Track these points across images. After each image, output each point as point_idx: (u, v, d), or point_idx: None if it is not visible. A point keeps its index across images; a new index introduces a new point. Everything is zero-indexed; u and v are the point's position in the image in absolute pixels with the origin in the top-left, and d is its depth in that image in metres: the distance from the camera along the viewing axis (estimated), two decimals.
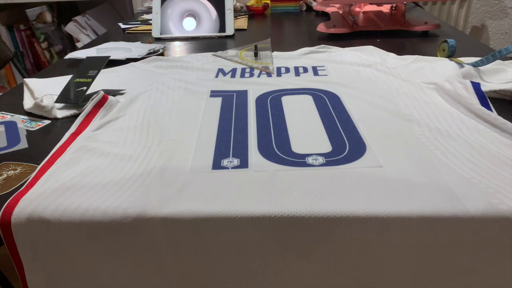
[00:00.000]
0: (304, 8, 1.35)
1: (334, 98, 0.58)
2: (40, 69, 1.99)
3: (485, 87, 0.58)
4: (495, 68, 0.64)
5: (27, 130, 0.54)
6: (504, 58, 0.68)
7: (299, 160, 0.43)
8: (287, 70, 0.71)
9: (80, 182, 0.40)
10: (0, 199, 0.38)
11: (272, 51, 0.82)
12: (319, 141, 0.46)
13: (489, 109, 0.51)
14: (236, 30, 1.08)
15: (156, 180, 0.40)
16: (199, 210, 0.35)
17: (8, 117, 0.58)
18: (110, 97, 0.58)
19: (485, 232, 0.34)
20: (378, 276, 0.37)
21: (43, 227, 0.36)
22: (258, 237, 0.35)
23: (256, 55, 0.80)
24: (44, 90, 0.63)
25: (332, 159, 0.43)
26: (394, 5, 1.04)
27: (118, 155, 0.44)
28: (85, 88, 0.61)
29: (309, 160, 0.43)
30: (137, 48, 0.88)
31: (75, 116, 0.56)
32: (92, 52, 0.86)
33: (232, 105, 0.57)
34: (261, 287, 0.38)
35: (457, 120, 0.50)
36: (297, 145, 0.46)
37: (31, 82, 0.67)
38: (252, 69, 0.73)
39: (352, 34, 0.96)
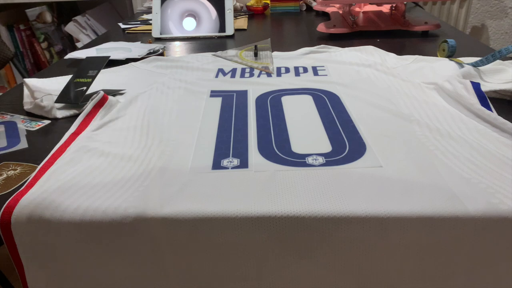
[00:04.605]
0: (304, 8, 1.35)
1: (334, 98, 0.58)
2: (40, 69, 1.99)
3: (485, 87, 0.58)
4: (495, 68, 0.64)
5: (27, 130, 0.54)
6: (504, 58, 0.68)
7: (299, 160, 0.43)
8: (287, 70, 0.71)
9: (80, 182, 0.39)
10: (0, 199, 0.38)
11: (272, 51, 0.82)
12: (319, 141, 0.46)
13: (489, 109, 0.51)
14: (236, 30, 1.08)
15: (156, 180, 0.40)
16: (199, 210, 0.35)
17: (8, 117, 0.58)
18: (110, 97, 0.58)
19: (485, 232, 0.34)
20: (378, 276, 0.37)
21: (43, 227, 0.36)
22: (258, 237, 0.35)
23: (256, 55, 0.80)
24: (44, 90, 0.63)
25: (332, 159, 0.43)
26: (394, 5, 1.04)
27: (118, 155, 0.44)
28: (85, 88, 0.61)
29: (309, 160, 0.43)
30: (137, 48, 0.88)
31: (75, 116, 0.56)
32: (92, 52, 0.86)
33: (232, 105, 0.57)
34: (261, 287, 0.38)
35: (457, 120, 0.50)
36: (297, 145, 0.46)
37: (31, 82, 0.67)
38: (252, 69, 0.73)
39: (352, 34, 0.96)
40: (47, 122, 0.56)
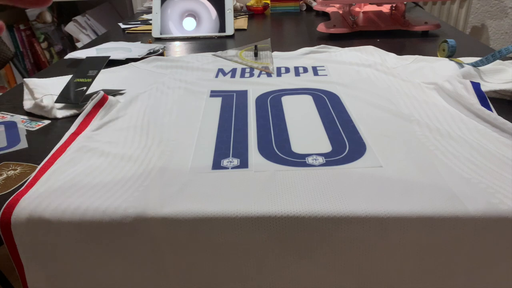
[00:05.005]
0: (304, 8, 1.35)
1: (334, 98, 0.58)
2: (40, 69, 1.99)
3: (485, 87, 0.58)
4: (495, 68, 0.64)
5: (27, 130, 0.54)
6: (504, 58, 0.68)
7: (299, 160, 0.43)
8: (287, 70, 0.71)
9: (80, 182, 0.40)
10: (0, 199, 0.38)
11: (272, 51, 0.82)
12: (319, 141, 0.46)
13: (489, 109, 0.51)
14: (236, 30, 1.08)
15: (156, 180, 0.40)
16: (199, 210, 0.35)
17: (8, 117, 0.58)
18: (110, 97, 0.58)
19: (485, 232, 0.34)
20: (378, 276, 0.37)
21: (43, 227, 0.36)
22: (258, 237, 0.35)
23: (256, 55, 0.80)
24: (44, 90, 0.63)
25: (332, 159, 0.43)
26: (394, 5, 1.04)
27: (118, 155, 0.44)
28: (85, 88, 0.61)
29: (309, 160, 0.43)
30: (137, 48, 0.88)
31: (75, 116, 0.56)
32: (92, 52, 0.86)
33: (232, 105, 0.57)
34: (261, 287, 0.38)
35: (457, 120, 0.50)
36: (297, 145, 0.46)
37: (31, 82, 0.67)
38: (252, 69, 0.73)
39: (352, 34, 0.96)
40: (47, 122, 0.56)
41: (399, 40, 0.90)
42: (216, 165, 0.42)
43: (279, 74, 0.69)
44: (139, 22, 1.21)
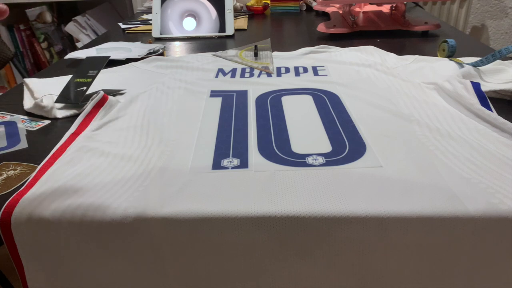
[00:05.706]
0: (304, 8, 1.35)
1: (334, 98, 0.58)
2: (40, 69, 1.99)
3: (485, 87, 0.58)
4: (495, 68, 0.64)
5: (27, 130, 0.54)
6: (504, 58, 0.68)
7: (299, 160, 0.43)
8: (287, 70, 0.71)
9: (80, 182, 0.39)
10: (0, 199, 0.38)
11: (272, 51, 0.82)
12: (319, 141, 0.46)
13: (489, 109, 0.51)
14: (236, 30, 1.08)
15: (156, 180, 0.40)
16: (199, 210, 0.35)
17: (8, 117, 0.58)
18: (110, 97, 0.58)
19: (485, 232, 0.34)
20: (378, 276, 0.37)
21: (43, 227, 0.36)
22: (258, 237, 0.35)
23: (256, 55, 0.80)
24: (44, 90, 0.63)
25: (332, 159, 0.43)
26: (394, 5, 1.04)
27: (118, 155, 0.44)
28: (85, 88, 0.61)
29: (309, 160, 0.43)
30: (137, 48, 0.88)
31: (75, 116, 0.56)
32: (92, 52, 0.86)
33: (232, 105, 0.57)
34: (261, 287, 0.38)
35: (457, 120, 0.50)
36: (297, 145, 0.46)
37: (31, 82, 0.67)
38: (252, 69, 0.73)
39: (352, 34, 0.96)
40: (47, 122, 0.56)
41: (399, 40, 0.90)
42: (216, 165, 0.42)
43: (279, 74, 0.69)
44: (139, 22, 1.21)
